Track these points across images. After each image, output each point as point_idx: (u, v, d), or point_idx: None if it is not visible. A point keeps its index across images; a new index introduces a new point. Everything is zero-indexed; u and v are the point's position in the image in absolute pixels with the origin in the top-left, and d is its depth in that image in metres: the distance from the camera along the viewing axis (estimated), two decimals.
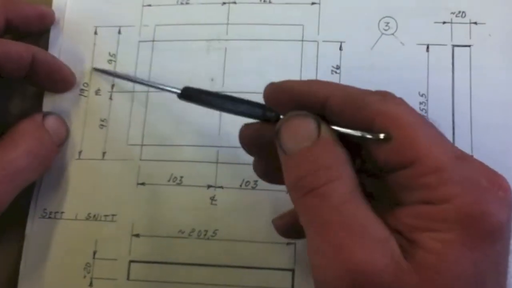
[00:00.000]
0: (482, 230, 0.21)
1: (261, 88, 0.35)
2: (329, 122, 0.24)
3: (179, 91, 0.29)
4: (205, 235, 0.35)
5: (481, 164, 0.23)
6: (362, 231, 0.21)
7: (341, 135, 0.24)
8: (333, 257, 0.21)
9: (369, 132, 0.23)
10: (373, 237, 0.21)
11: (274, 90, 0.27)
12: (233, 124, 0.35)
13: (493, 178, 0.22)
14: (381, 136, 0.22)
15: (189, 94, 0.29)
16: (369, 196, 0.23)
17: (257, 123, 0.28)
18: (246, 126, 0.28)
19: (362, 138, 0.23)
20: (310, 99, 0.25)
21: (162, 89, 0.32)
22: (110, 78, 0.37)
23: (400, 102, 0.23)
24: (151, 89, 0.37)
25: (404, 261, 0.21)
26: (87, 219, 0.36)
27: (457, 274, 0.20)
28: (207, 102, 0.29)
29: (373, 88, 0.35)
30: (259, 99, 0.35)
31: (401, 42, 0.36)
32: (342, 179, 0.23)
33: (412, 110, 0.23)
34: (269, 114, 0.27)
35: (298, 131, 0.24)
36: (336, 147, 0.23)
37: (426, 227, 0.21)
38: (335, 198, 0.22)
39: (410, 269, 0.21)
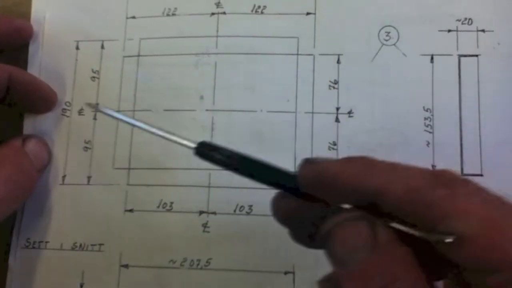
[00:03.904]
0: None
1: (254, 106, 0.34)
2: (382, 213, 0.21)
3: (193, 146, 0.25)
4: (198, 264, 0.33)
5: None
6: None
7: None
8: None
9: (434, 233, 0.20)
10: None
11: (312, 174, 0.22)
12: (226, 145, 0.34)
13: None
14: (450, 239, 0.19)
15: (204, 152, 0.25)
16: None
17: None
18: (282, 199, 0.24)
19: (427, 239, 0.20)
20: (359, 190, 0.21)
21: (174, 141, 0.25)
22: (94, 96, 0.35)
23: (471, 192, 0.20)
24: (138, 107, 0.35)
25: None
26: (73, 249, 0.34)
27: None
28: (227, 164, 0.24)
29: (375, 102, 0.33)
30: (251, 117, 0.34)
31: (403, 53, 0.34)
32: None
33: (486, 199, 0.20)
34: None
35: (350, 240, 0.21)
36: (397, 252, 0.20)
37: None
38: None
39: None
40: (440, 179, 0.20)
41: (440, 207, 0.19)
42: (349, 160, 0.22)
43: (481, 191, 0.20)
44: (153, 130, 0.26)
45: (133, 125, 0.28)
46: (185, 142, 0.25)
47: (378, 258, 0.20)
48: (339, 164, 0.22)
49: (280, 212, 0.24)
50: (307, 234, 0.23)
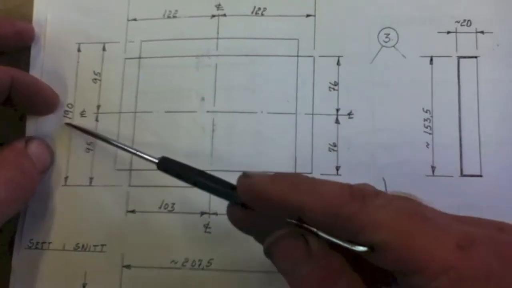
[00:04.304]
0: None
1: (254, 107, 0.34)
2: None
3: (156, 161, 0.29)
4: (199, 265, 0.33)
5: (487, 241, 0.21)
6: None
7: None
8: None
9: (353, 244, 0.22)
10: None
11: (246, 189, 0.25)
12: (227, 146, 0.34)
13: (505, 253, 0.20)
14: (363, 249, 0.21)
15: (166, 167, 0.29)
16: None
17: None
18: (232, 208, 0.27)
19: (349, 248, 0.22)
20: (284, 207, 0.23)
21: (140, 157, 0.31)
22: (95, 98, 0.35)
23: (383, 204, 0.22)
24: (139, 109, 0.35)
25: None
26: (75, 249, 0.34)
27: None
28: (184, 177, 0.28)
29: (375, 104, 0.33)
30: (251, 118, 0.34)
31: (402, 55, 0.34)
32: None
33: (398, 209, 0.21)
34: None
35: (288, 255, 0.23)
36: (329, 260, 0.23)
37: None
38: None
39: None
40: (355, 194, 0.22)
41: (355, 220, 0.21)
42: (277, 177, 0.24)
43: (394, 202, 0.22)
44: (124, 147, 0.32)
45: (106, 142, 0.33)
46: (149, 157, 0.30)
47: (314, 268, 0.23)
48: (268, 181, 0.24)
49: (232, 220, 0.27)
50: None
